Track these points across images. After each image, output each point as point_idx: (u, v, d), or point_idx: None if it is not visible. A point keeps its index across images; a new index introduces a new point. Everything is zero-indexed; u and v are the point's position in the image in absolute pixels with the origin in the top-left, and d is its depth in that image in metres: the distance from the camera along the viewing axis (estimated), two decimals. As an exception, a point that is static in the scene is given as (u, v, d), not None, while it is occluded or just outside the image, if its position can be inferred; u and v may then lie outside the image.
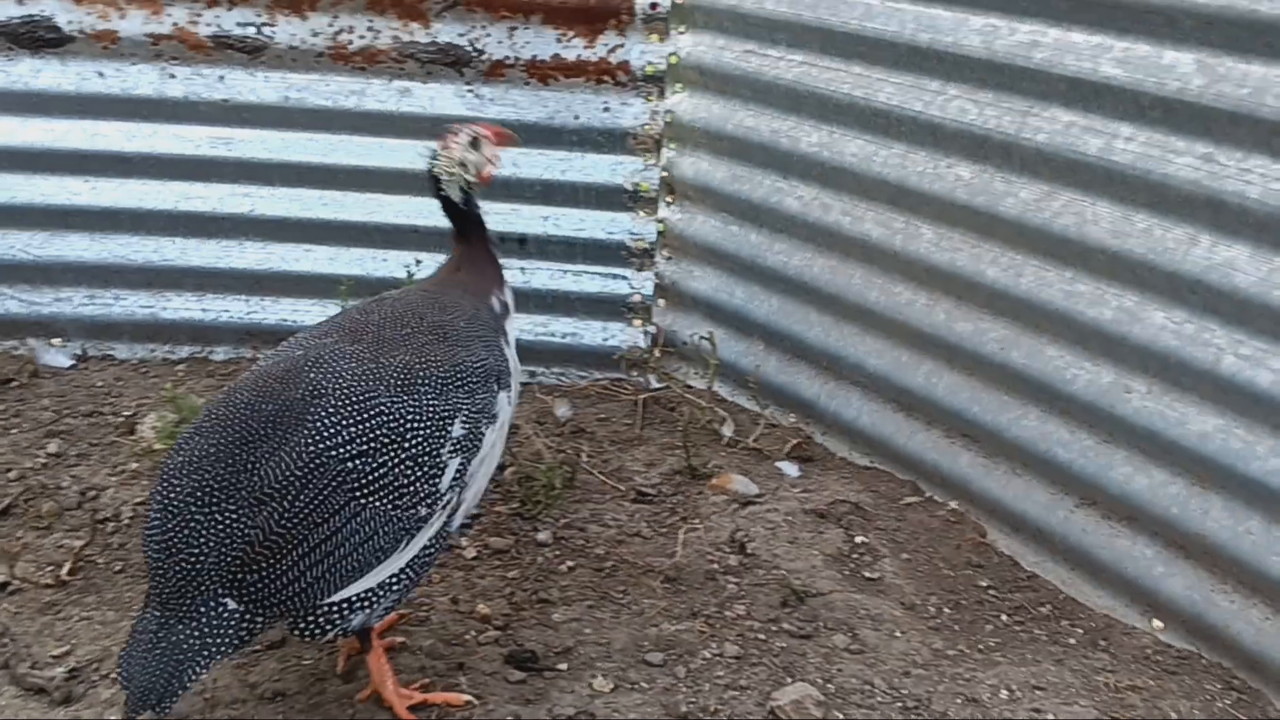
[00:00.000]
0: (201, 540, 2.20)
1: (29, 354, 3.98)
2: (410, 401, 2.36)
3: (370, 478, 2.28)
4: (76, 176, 3.95)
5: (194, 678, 2.20)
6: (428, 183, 2.67)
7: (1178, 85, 2.69)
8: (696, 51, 3.77)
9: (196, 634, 2.20)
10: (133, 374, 3.98)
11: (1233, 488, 2.70)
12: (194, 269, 4.01)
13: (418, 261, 3.65)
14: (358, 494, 2.27)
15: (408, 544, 2.36)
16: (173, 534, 2.21)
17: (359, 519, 2.27)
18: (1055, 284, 3.00)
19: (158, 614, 2.22)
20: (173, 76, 3.87)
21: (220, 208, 3.97)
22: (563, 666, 2.68)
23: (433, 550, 2.44)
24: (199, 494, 2.22)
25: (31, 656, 2.63)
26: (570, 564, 3.07)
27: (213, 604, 2.21)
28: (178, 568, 2.20)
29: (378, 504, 2.29)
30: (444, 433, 2.38)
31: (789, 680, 2.66)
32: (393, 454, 2.31)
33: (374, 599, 2.35)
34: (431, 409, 2.38)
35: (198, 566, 2.20)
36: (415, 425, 2.35)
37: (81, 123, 3.91)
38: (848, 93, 3.39)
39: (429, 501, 2.36)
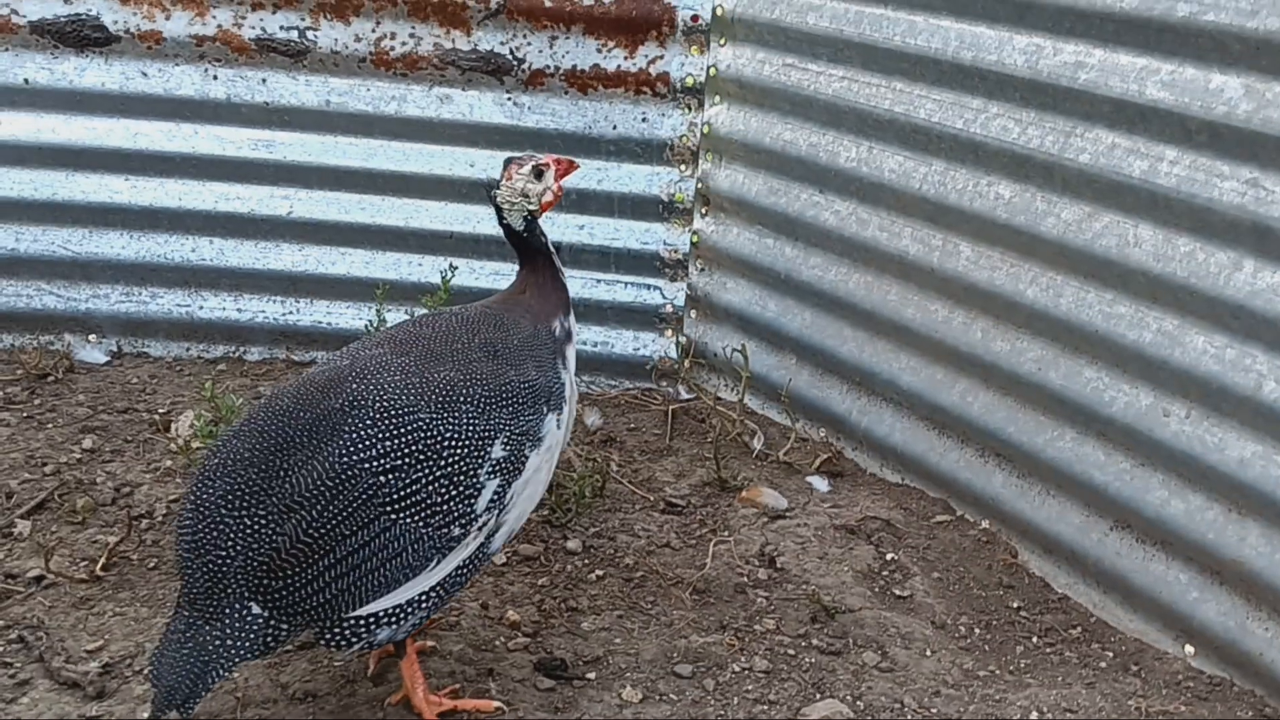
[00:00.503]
0: (229, 543, 2.21)
1: (65, 349, 4.02)
2: (450, 419, 2.32)
3: (403, 493, 2.26)
4: (117, 175, 3.99)
5: (216, 680, 2.21)
6: (496, 211, 2.63)
7: (1224, 109, 2.67)
8: (736, 64, 3.78)
9: (221, 637, 2.21)
10: (167, 372, 4.01)
11: (1271, 515, 2.67)
12: (231, 269, 4.05)
13: (453, 267, 3.66)
14: (389, 509, 2.25)
15: (439, 563, 2.33)
16: (202, 535, 2.22)
17: (388, 534, 2.26)
18: (1095, 305, 2.98)
19: (187, 614, 2.24)
20: (215, 78, 3.91)
21: (259, 209, 4.00)
22: (592, 676, 2.68)
23: (467, 570, 2.41)
24: (230, 497, 2.23)
25: (66, 651, 2.64)
26: (599, 573, 3.07)
27: (238, 607, 2.22)
28: (206, 569, 2.22)
29: (409, 521, 2.27)
30: (483, 453, 2.35)
31: (818, 696, 2.65)
32: (428, 471, 2.28)
33: (401, 615, 2.33)
34: (472, 428, 2.34)
35: (225, 569, 2.21)
36: (453, 443, 2.31)
37: (124, 122, 3.96)
38: (888, 108, 3.39)
39: (463, 522, 2.33)
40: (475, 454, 2.34)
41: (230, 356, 4.12)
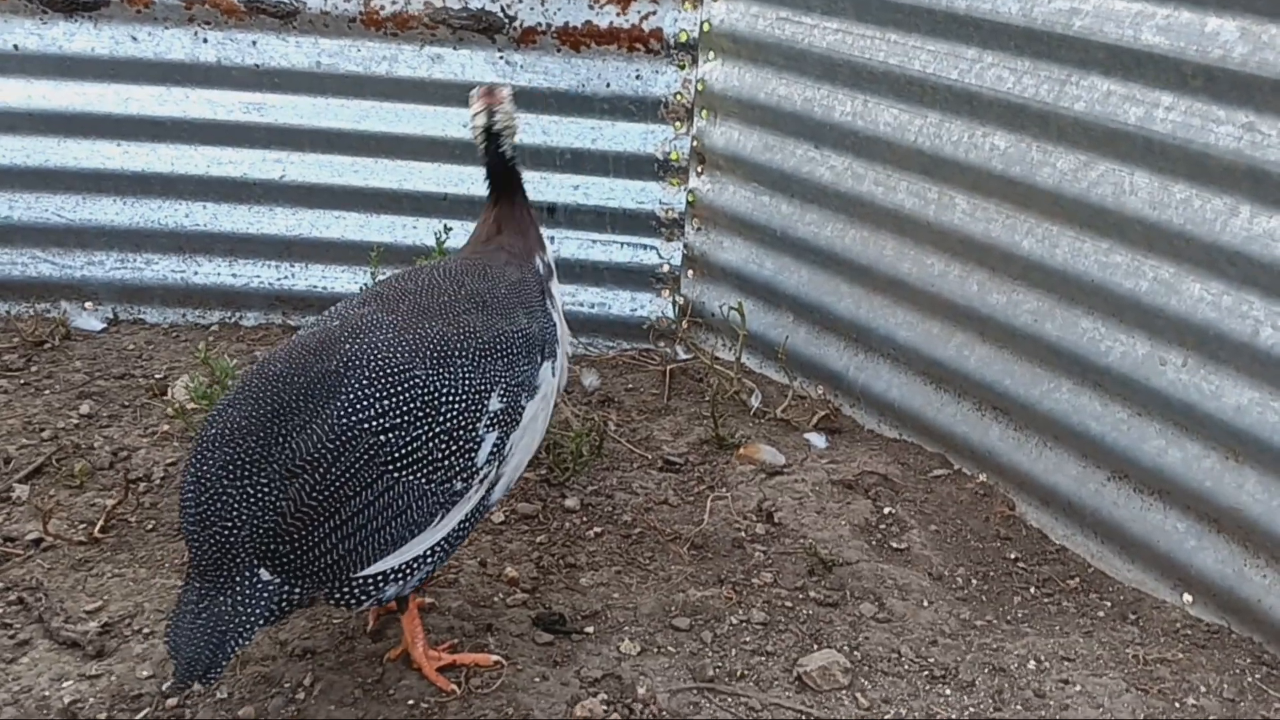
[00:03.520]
0: (234, 512, 2.19)
1: (61, 317, 4.01)
2: (446, 374, 2.31)
3: (403, 451, 2.25)
4: (109, 140, 3.97)
5: (236, 648, 2.20)
6: (484, 140, 2.58)
7: (1220, 53, 2.65)
8: (730, 19, 3.74)
9: (234, 605, 2.20)
10: (163, 338, 4.01)
11: (1268, 461, 2.67)
12: (225, 234, 4.03)
13: (447, 229, 3.64)
14: (390, 468, 2.24)
15: (443, 518, 2.33)
16: (207, 505, 2.21)
17: (392, 493, 2.25)
18: (1091, 255, 2.97)
19: (198, 585, 2.22)
20: (205, 41, 3.88)
21: (251, 173, 3.98)
22: (590, 630, 2.69)
23: (470, 524, 2.41)
24: (231, 465, 2.21)
25: (65, 611, 2.65)
26: (597, 530, 3.08)
27: (248, 575, 2.21)
28: (213, 539, 2.20)
29: (411, 478, 2.26)
30: (481, 406, 2.33)
31: (816, 647, 2.66)
32: (427, 427, 2.27)
33: (408, 572, 2.33)
34: (468, 382, 2.33)
35: (231, 538, 2.19)
36: (451, 398, 2.30)
37: (114, 87, 3.94)
38: (882, 60, 3.36)
39: (465, 476, 2.32)
40: (473, 408, 2.32)
41: (226, 322, 4.11)
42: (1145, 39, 2.78)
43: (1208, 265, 2.74)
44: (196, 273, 4.07)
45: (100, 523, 2.95)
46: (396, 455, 2.24)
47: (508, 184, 2.63)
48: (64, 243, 4.04)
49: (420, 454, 2.27)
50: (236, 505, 2.20)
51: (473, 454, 2.33)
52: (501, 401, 2.37)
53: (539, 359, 2.47)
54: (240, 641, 2.20)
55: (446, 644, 2.58)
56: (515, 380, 2.40)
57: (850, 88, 3.49)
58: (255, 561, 2.21)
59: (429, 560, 2.35)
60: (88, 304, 4.08)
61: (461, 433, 2.31)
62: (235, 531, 2.19)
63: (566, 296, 4.04)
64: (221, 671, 2.19)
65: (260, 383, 2.29)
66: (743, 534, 3.08)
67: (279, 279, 4.07)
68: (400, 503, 2.26)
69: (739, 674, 2.57)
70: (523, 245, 2.60)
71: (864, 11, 3.39)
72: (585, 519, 3.13)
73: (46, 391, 3.61)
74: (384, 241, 3.91)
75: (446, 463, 2.29)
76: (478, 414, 2.33)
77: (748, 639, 2.68)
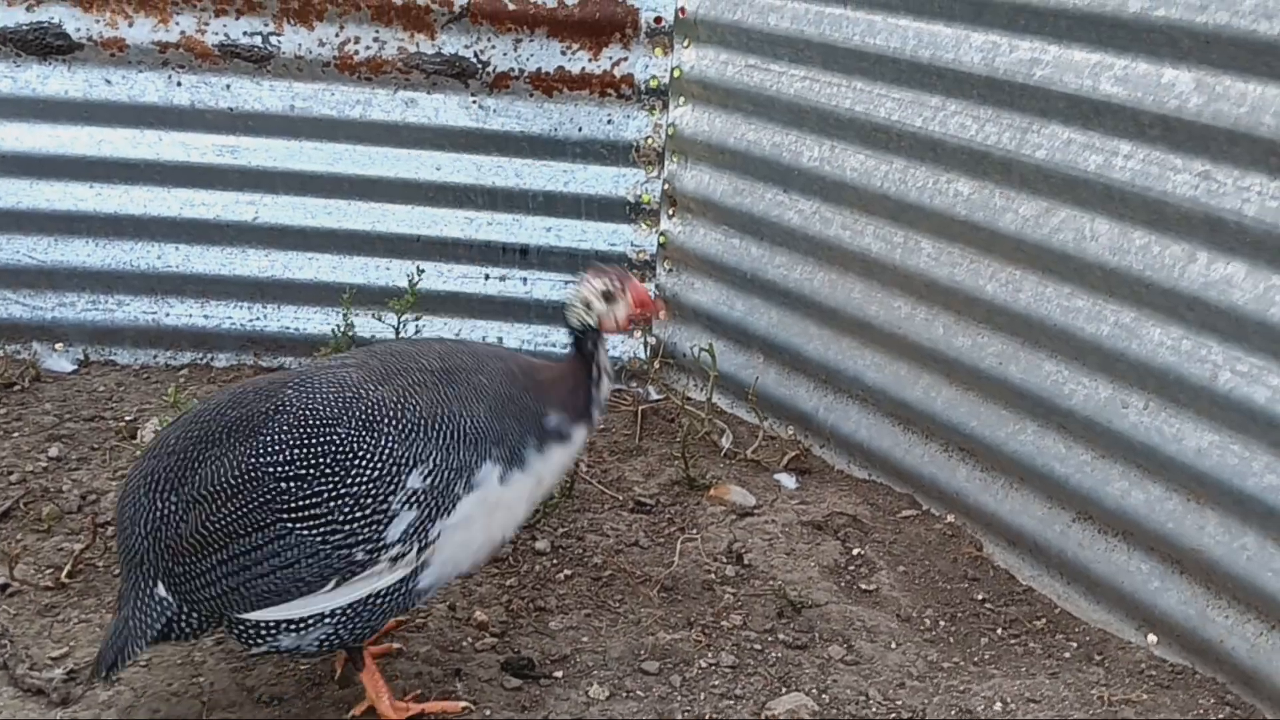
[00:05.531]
0: (144, 523, 2.31)
1: (32, 358, 3.99)
2: (367, 438, 2.27)
3: (301, 503, 2.25)
4: (82, 182, 3.98)
5: (132, 656, 2.32)
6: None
7: (1176, 104, 2.71)
8: (700, 66, 3.80)
9: (133, 614, 2.32)
10: (134, 379, 4.00)
11: (1228, 503, 2.71)
12: (197, 275, 4.04)
13: (420, 270, 3.68)
14: (284, 516, 2.25)
15: (338, 585, 2.29)
16: (124, 512, 2.35)
17: (282, 542, 2.26)
18: (1053, 300, 3.01)
19: (123, 589, 2.38)
20: (179, 84, 3.90)
21: (224, 215, 3.99)
22: (559, 674, 2.69)
23: (385, 602, 2.34)
24: (151, 479, 2.33)
25: (30, 658, 2.63)
26: (568, 572, 3.08)
27: (146, 586, 2.32)
28: (126, 545, 2.34)
29: (305, 532, 2.25)
30: (396, 479, 2.28)
31: (784, 690, 2.67)
32: (331, 486, 2.25)
33: (302, 628, 2.31)
34: (389, 451, 2.28)
35: (139, 547, 2.31)
36: (364, 463, 2.26)
37: (88, 129, 3.94)
38: (849, 108, 3.42)
39: (369, 547, 2.27)
40: (387, 479, 2.28)
41: (198, 363, 4.11)
42: (1104, 89, 2.84)
43: (1167, 310, 2.79)
44: (168, 314, 4.07)
45: (68, 568, 2.93)
46: (292, 505, 2.25)
47: (577, 353, 2.57)
48: (35, 284, 4.03)
49: (318, 510, 2.26)
50: (147, 517, 2.30)
51: (380, 526, 2.28)
52: (425, 481, 2.30)
53: (486, 456, 2.37)
54: (135, 650, 2.31)
55: (412, 694, 2.57)
56: (448, 464, 2.32)
57: (817, 134, 3.54)
58: (155, 576, 2.30)
59: (328, 623, 2.32)
60: (58, 345, 4.07)
61: (370, 501, 2.27)
62: (142, 541, 2.30)
63: (540, 337, 4.08)
64: (117, 672, 2.35)
65: (203, 409, 2.41)
66: (713, 576, 3.09)
67: (251, 320, 4.08)
68: (289, 554, 2.27)
69: (707, 718, 2.58)
70: (553, 398, 2.50)
71: (830, 60, 3.45)
72: (555, 561, 3.14)
73: (15, 434, 3.59)
74: (356, 283, 3.92)
75: (348, 528, 2.26)
76: (392, 486, 2.28)
77: (716, 682, 2.69)
